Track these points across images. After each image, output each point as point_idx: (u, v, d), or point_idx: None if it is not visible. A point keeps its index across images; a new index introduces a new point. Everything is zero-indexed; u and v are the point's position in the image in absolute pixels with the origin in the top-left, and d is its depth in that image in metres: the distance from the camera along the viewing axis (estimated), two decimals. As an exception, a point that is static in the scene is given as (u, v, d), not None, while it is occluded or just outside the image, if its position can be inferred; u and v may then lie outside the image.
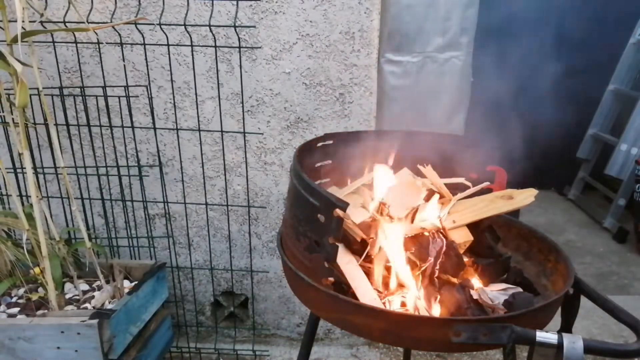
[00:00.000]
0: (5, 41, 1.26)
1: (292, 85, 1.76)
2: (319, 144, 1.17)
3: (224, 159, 1.80)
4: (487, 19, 2.57)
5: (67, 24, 1.49)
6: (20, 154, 1.36)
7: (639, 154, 3.08)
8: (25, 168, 1.34)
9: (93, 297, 1.54)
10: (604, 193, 3.57)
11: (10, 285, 1.51)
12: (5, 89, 1.35)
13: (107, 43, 1.67)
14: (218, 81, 1.71)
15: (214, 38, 1.63)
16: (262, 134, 1.81)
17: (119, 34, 1.63)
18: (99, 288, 1.59)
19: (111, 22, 1.60)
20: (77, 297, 1.54)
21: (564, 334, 0.73)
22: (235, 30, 1.61)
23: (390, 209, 1.01)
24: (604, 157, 3.44)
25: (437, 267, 0.96)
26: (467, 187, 1.13)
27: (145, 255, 1.90)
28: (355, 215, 1.00)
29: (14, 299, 1.54)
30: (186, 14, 1.57)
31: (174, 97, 1.74)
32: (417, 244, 0.99)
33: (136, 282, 1.58)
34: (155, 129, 1.74)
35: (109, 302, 1.52)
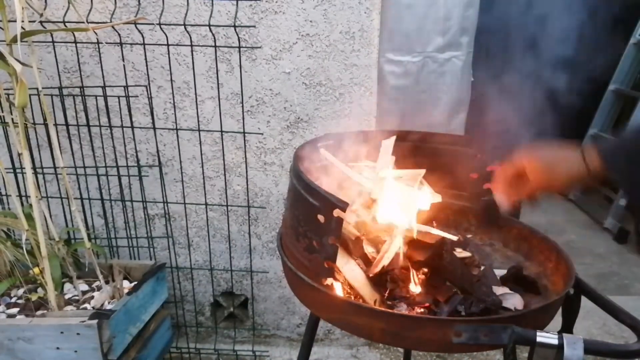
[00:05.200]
0: (4, 41, 1.26)
1: (292, 85, 1.76)
2: (319, 144, 1.17)
3: (223, 159, 1.80)
4: (485, 19, 2.57)
5: (66, 23, 1.49)
6: (19, 154, 1.36)
7: None
8: (24, 168, 1.33)
9: (92, 297, 1.54)
10: (604, 193, 3.57)
11: (9, 286, 1.51)
12: (4, 89, 1.35)
13: (106, 43, 1.67)
14: (218, 81, 1.71)
15: (214, 38, 1.63)
16: (262, 134, 1.80)
17: (119, 34, 1.62)
18: (99, 288, 1.58)
19: (111, 22, 1.60)
20: (77, 298, 1.54)
21: (564, 335, 0.73)
22: (235, 30, 1.60)
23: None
24: (605, 157, 3.43)
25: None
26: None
27: (145, 256, 1.89)
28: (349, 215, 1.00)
29: (13, 300, 1.54)
30: (186, 14, 1.57)
31: (173, 97, 1.73)
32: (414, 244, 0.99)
33: (136, 283, 1.57)
34: (154, 129, 1.73)
35: (109, 303, 1.52)
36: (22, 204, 1.44)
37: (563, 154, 0.90)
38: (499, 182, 0.97)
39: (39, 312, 1.47)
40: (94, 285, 1.61)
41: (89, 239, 1.51)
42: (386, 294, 0.96)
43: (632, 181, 0.83)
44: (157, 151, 1.79)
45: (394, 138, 1.14)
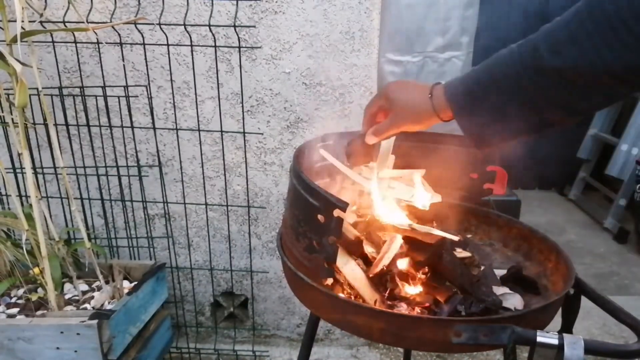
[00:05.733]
0: (4, 41, 1.26)
1: (292, 85, 1.76)
2: (319, 144, 1.17)
3: (223, 159, 1.80)
4: (485, 18, 2.57)
5: (66, 23, 1.49)
6: (19, 154, 1.36)
7: (640, 154, 3.08)
8: (24, 168, 1.33)
9: (92, 297, 1.54)
10: (604, 193, 3.57)
11: (9, 286, 1.51)
12: (4, 89, 1.35)
13: (106, 43, 1.67)
14: (218, 81, 1.71)
15: (214, 38, 1.63)
16: (262, 134, 1.80)
17: (119, 34, 1.62)
18: (99, 288, 1.58)
19: (111, 22, 1.60)
20: (77, 298, 1.54)
21: (564, 335, 0.73)
22: (235, 30, 1.61)
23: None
24: (605, 157, 3.44)
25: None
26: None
27: (145, 256, 1.90)
28: (348, 215, 1.00)
29: (13, 300, 1.54)
30: (186, 14, 1.57)
31: (173, 97, 1.73)
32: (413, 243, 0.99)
33: (136, 283, 1.57)
34: (154, 129, 1.73)
35: (109, 303, 1.52)
36: (22, 204, 1.44)
37: (416, 91, 0.87)
38: (365, 113, 0.96)
39: (39, 312, 1.47)
40: (94, 285, 1.61)
41: (89, 239, 1.51)
42: (386, 294, 0.96)
43: (474, 122, 0.78)
44: (157, 151, 1.79)
45: (393, 138, 1.15)
